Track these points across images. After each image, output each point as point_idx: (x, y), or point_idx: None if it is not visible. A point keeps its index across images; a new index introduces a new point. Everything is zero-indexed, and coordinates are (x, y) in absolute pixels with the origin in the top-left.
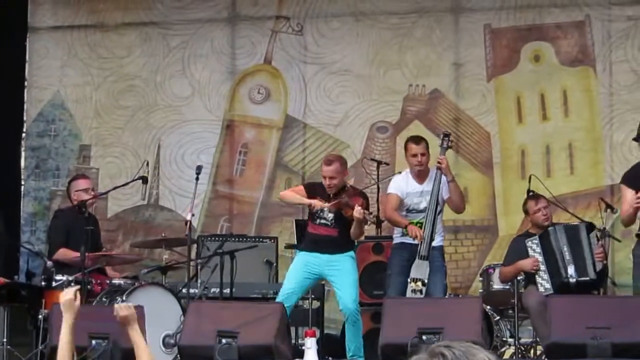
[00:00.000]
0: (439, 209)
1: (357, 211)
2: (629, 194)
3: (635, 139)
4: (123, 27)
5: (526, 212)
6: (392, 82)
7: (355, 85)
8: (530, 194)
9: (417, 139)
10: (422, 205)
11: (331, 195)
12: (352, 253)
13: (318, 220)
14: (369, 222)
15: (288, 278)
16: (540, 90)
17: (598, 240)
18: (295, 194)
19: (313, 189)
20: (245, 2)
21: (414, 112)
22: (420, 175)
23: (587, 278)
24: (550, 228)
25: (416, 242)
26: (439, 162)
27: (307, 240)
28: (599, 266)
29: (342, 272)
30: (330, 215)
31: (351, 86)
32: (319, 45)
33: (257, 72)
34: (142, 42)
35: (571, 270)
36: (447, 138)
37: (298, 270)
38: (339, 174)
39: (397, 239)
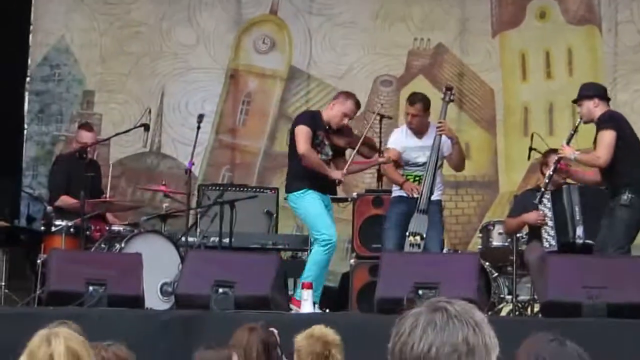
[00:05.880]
0: (439, 163)
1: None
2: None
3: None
4: None
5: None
6: (397, 35)
7: (360, 38)
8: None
9: (412, 99)
10: (420, 160)
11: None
12: None
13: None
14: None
15: (326, 220)
16: (545, 48)
17: None
18: (317, 158)
19: (314, 124)
20: None
21: (419, 66)
22: (419, 131)
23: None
24: (564, 186)
25: (415, 196)
26: (439, 128)
27: (311, 177)
28: None
29: None
30: (329, 150)
31: (356, 39)
32: None
33: (262, 22)
34: None
35: (579, 231)
36: (449, 92)
37: (324, 210)
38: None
39: (396, 192)
